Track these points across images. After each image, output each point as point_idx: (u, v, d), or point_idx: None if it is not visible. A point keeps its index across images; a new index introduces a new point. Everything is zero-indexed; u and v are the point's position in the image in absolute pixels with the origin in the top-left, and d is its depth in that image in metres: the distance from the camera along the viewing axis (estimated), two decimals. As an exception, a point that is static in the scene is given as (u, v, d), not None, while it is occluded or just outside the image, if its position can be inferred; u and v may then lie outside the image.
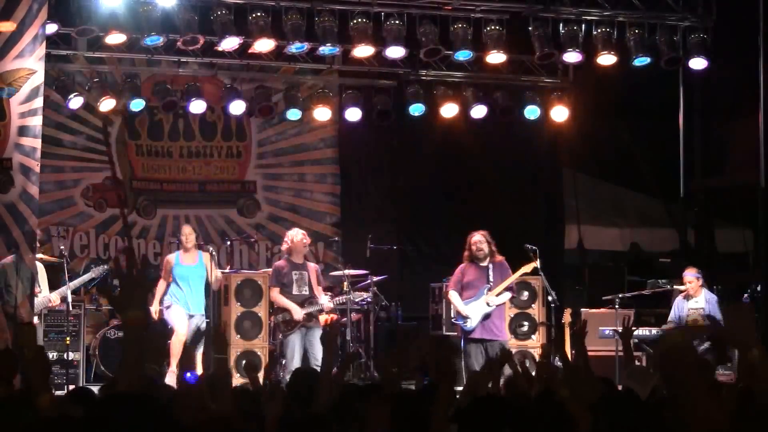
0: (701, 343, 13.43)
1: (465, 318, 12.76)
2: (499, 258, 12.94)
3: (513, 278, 12.89)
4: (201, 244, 13.78)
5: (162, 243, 16.37)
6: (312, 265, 13.56)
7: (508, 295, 12.97)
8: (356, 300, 14.24)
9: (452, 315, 13.33)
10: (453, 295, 12.94)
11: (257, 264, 16.32)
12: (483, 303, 12.73)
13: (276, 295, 13.23)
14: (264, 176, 17.05)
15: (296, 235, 13.36)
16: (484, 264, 12.85)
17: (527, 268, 13.06)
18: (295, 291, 13.20)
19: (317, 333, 13.11)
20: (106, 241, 16.31)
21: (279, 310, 13.25)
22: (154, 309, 13.17)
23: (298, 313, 13.05)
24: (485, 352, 12.85)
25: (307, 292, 13.22)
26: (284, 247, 13.48)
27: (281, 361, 13.28)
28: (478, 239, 12.86)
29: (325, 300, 13.33)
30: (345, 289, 14.20)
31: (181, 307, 13.22)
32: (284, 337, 13.21)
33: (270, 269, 14.03)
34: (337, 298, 13.90)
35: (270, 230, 16.81)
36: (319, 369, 12.30)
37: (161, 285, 13.35)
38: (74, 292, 13.55)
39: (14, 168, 10.94)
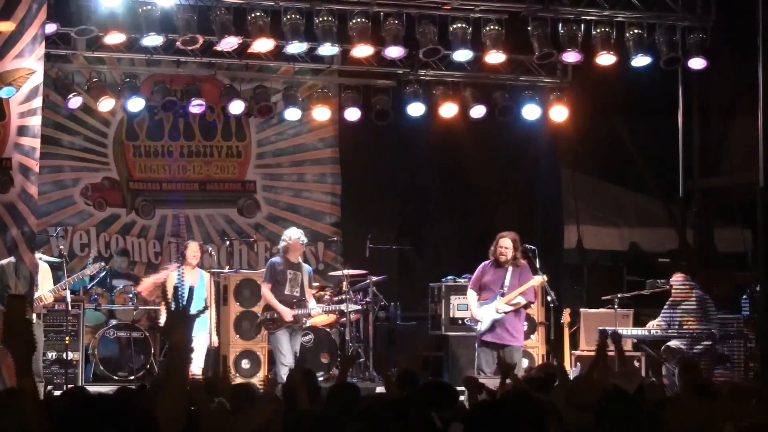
0: (697, 345, 13.45)
1: (477, 321, 12.78)
2: (522, 263, 12.91)
3: (523, 288, 12.77)
4: (200, 243, 13.72)
5: (161, 243, 16.38)
6: (306, 267, 13.41)
7: (521, 300, 12.88)
8: (353, 301, 14.20)
9: (468, 317, 13.31)
10: (470, 295, 12.95)
11: (256, 264, 16.29)
12: (493, 309, 12.71)
13: (267, 292, 12.96)
14: (263, 176, 17.06)
15: (294, 235, 13.19)
16: (506, 267, 12.84)
17: (534, 282, 12.97)
18: (287, 291, 12.93)
19: (299, 338, 12.98)
20: (107, 240, 16.33)
21: (267, 308, 13.03)
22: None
23: (288, 315, 12.87)
24: (499, 355, 12.80)
25: (298, 294, 13.02)
26: (281, 244, 13.31)
27: (276, 357, 13.06)
28: (505, 244, 12.81)
29: (313, 305, 13.19)
30: (344, 289, 14.19)
31: None
32: (270, 334, 13.03)
33: (260, 271, 13.98)
34: (330, 306, 13.82)
35: (269, 230, 16.81)
36: (284, 370, 12.35)
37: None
38: (73, 291, 13.56)
39: (13, 168, 10.94)
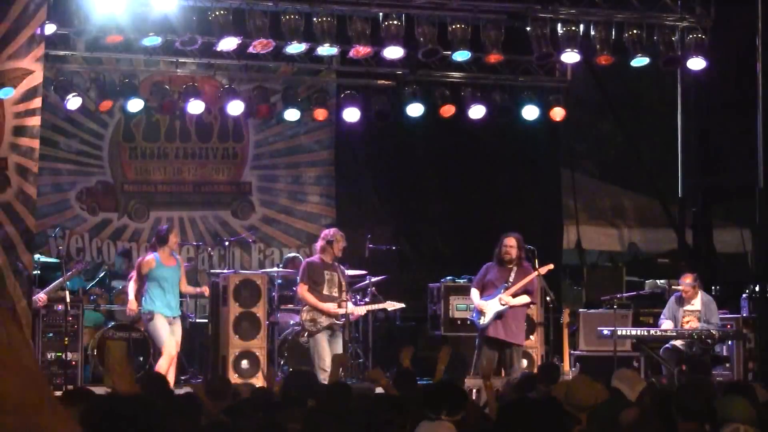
0: (694, 345, 13.45)
1: (480, 314, 12.78)
2: (526, 264, 12.93)
3: (527, 280, 12.82)
4: (199, 244, 13.72)
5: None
6: (339, 265, 13.14)
7: (525, 298, 12.88)
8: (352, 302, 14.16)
9: (471, 313, 13.30)
10: (473, 293, 12.98)
11: (249, 267, 16.19)
12: (497, 301, 12.73)
13: (306, 292, 12.84)
14: (259, 177, 17.02)
15: (337, 237, 12.94)
16: (509, 267, 12.86)
17: (542, 270, 13.01)
18: (325, 291, 12.84)
19: (339, 340, 12.90)
20: (99, 245, 16.27)
21: (308, 308, 12.90)
22: (131, 307, 12.93)
23: (334, 309, 12.80)
24: (499, 355, 12.75)
25: (337, 294, 12.93)
26: (320, 244, 13.09)
27: (314, 361, 12.83)
28: (510, 243, 12.85)
29: (352, 306, 13.08)
30: (344, 289, 14.12)
31: (161, 312, 12.67)
32: (310, 336, 12.86)
33: (260, 271, 13.91)
34: (373, 305, 13.71)
35: (263, 232, 16.76)
36: (323, 375, 12.21)
37: (133, 284, 12.94)
38: (73, 292, 13.56)
39: (10, 168, 10.93)
